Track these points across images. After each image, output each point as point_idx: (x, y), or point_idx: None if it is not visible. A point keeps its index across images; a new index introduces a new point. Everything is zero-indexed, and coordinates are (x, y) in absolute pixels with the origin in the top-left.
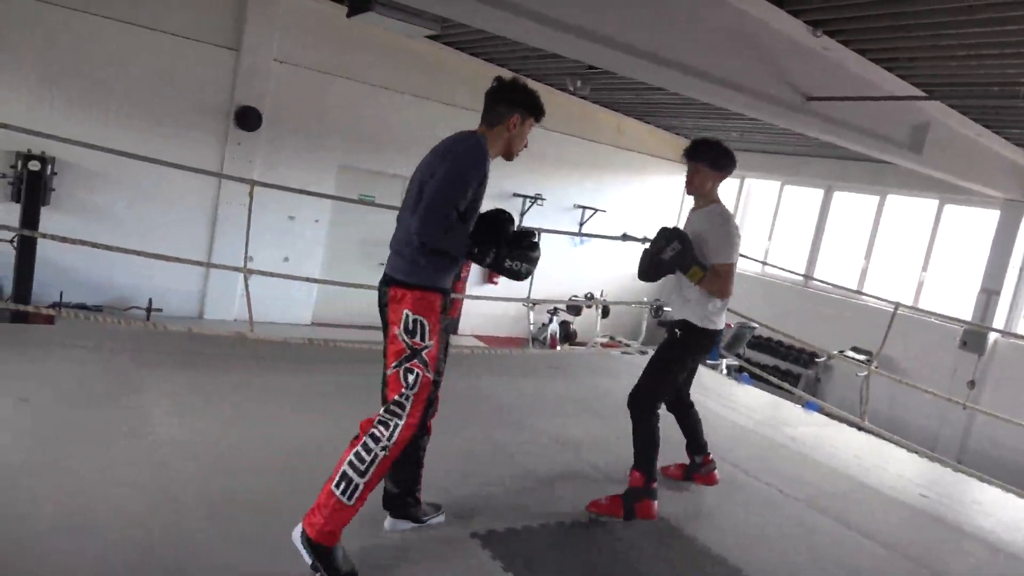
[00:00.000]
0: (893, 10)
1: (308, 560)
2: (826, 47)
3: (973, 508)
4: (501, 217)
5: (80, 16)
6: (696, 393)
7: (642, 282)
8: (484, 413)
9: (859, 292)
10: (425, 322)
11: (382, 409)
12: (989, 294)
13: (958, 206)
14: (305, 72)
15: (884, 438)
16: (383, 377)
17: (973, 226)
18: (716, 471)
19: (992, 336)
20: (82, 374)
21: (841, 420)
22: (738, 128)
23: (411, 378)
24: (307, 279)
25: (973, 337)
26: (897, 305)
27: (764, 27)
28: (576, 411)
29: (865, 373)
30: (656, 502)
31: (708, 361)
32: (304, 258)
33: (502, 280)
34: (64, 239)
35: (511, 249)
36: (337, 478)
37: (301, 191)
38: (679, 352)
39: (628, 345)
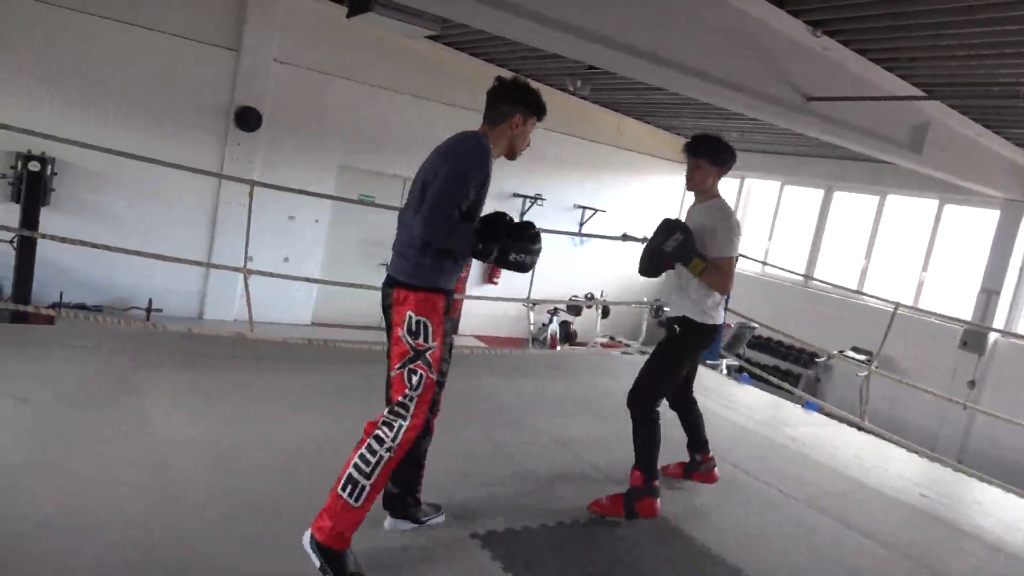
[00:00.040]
0: (893, 10)
1: (317, 564)
2: (826, 47)
3: (973, 508)
4: (500, 217)
5: (79, 16)
6: (696, 393)
7: (642, 281)
8: (484, 413)
9: (859, 292)
10: (428, 323)
11: (386, 411)
12: (989, 294)
13: (958, 206)
14: (305, 72)
15: (884, 438)
16: (387, 378)
17: (973, 226)
18: (716, 469)
19: (992, 336)
20: (82, 374)
21: (841, 420)
22: (738, 128)
23: (415, 379)
24: (307, 279)
25: (973, 337)
26: (897, 305)
27: (764, 27)
28: (576, 411)
29: (865, 373)
30: (658, 500)
31: (708, 361)
32: (304, 258)
33: (502, 280)
34: (64, 239)
35: (513, 241)
36: (343, 481)
37: (301, 191)
38: (678, 349)
39: (628, 345)
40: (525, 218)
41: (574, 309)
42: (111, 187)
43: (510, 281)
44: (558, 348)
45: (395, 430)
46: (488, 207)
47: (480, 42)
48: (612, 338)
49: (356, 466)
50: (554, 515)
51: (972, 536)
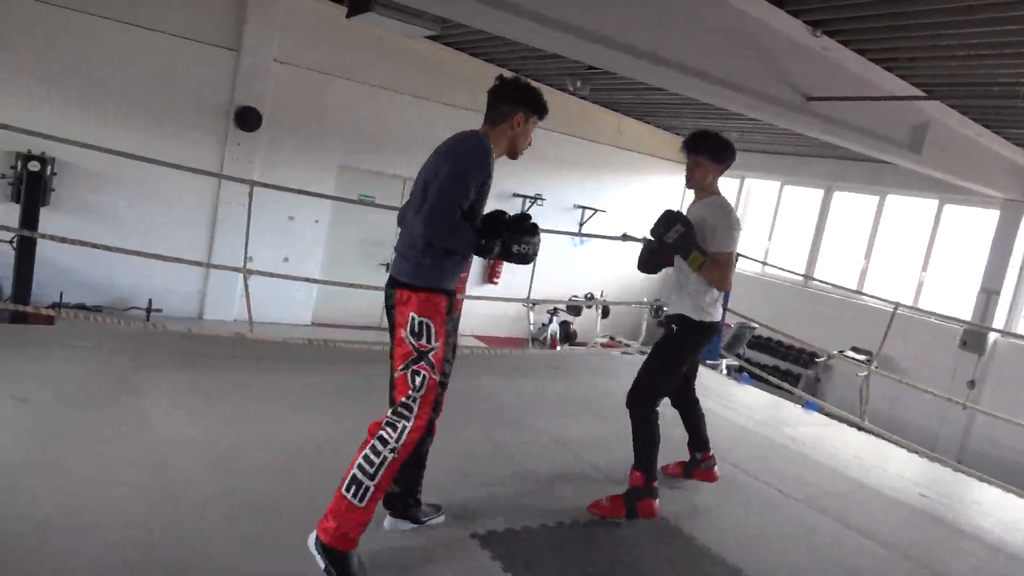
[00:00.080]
0: (893, 10)
1: (322, 565)
2: (826, 47)
3: (973, 508)
4: (498, 214)
5: (80, 16)
6: (696, 393)
7: (642, 281)
8: (484, 413)
9: (859, 292)
10: (431, 324)
11: (389, 411)
12: (989, 294)
13: (958, 206)
14: (305, 72)
15: (884, 438)
16: (390, 379)
17: (973, 226)
18: (716, 468)
19: (992, 336)
20: (82, 374)
21: (841, 420)
22: (738, 128)
23: (418, 380)
24: (307, 279)
25: (973, 337)
26: (897, 305)
27: (764, 27)
28: (576, 411)
29: (865, 373)
30: (657, 501)
31: (708, 361)
32: (304, 258)
33: (502, 280)
34: (64, 239)
35: (513, 234)
36: (347, 482)
37: (301, 191)
38: (676, 348)
39: (628, 345)
40: None
41: (574, 309)
42: (111, 187)
43: (510, 281)
44: (558, 348)
45: (399, 431)
46: (489, 207)
47: (480, 42)
48: (612, 338)
49: (360, 467)
50: (554, 515)
51: (972, 536)
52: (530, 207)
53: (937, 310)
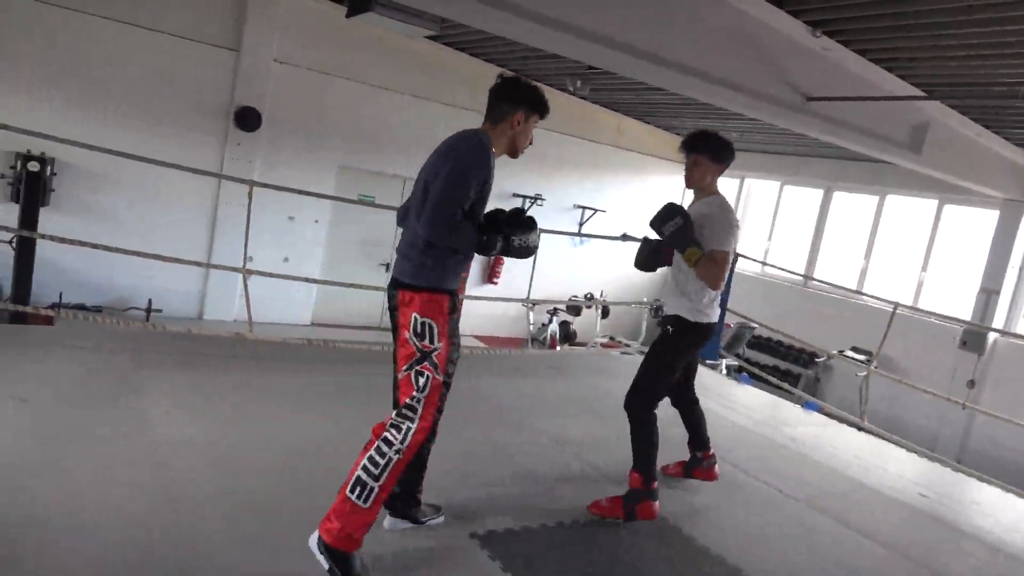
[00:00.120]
0: (893, 10)
1: (325, 565)
2: (826, 47)
3: (973, 508)
4: (496, 212)
5: (80, 16)
6: (696, 392)
7: (642, 281)
8: (484, 413)
9: (859, 292)
10: (434, 324)
11: (394, 413)
12: (989, 294)
13: (957, 206)
14: (305, 72)
15: (884, 438)
16: (394, 380)
17: (973, 226)
18: (716, 467)
19: (992, 336)
20: (82, 374)
21: (841, 420)
22: (738, 128)
23: (421, 381)
24: (307, 279)
25: (973, 337)
26: (896, 305)
27: (764, 27)
28: (576, 411)
29: (865, 373)
30: (657, 502)
31: (708, 361)
32: (304, 258)
33: (502, 280)
34: (63, 240)
35: (513, 228)
36: (352, 483)
37: (301, 191)
38: (672, 349)
39: (628, 345)
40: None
41: (574, 309)
42: (111, 187)
43: (510, 281)
44: (558, 348)
45: (403, 432)
46: (489, 207)
47: (480, 42)
48: (612, 338)
49: (365, 468)
50: (554, 515)
51: (972, 536)
52: (530, 207)
53: (937, 310)
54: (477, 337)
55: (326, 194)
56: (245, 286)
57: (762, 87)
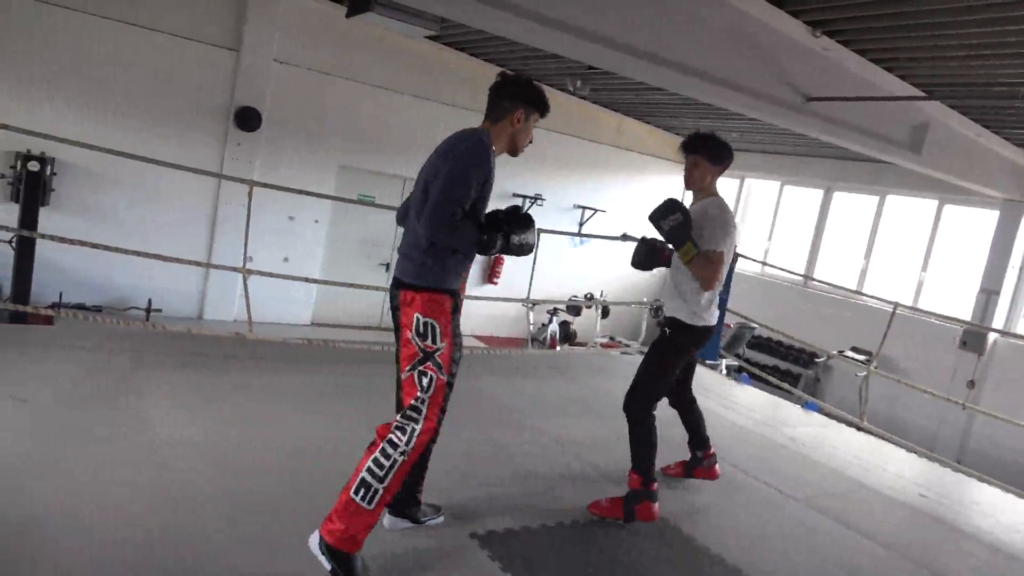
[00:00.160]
0: (893, 10)
1: (327, 566)
2: (826, 47)
3: (972, 508)
4: (495, 212)
5: (80, 16)
6: (696, 393)
7: (642, 281)
8: (484, 413)
9: (859, 292)
10: (436, 324)
11: (398, 415)
12: (988, 294)
13: (957, 206)
14: (305, 72)
15: (884, 438)
16: (397, 381)
17: (972, 226)
18: (717, 465)
19: (992, 336)
20: (81, 374)
21: (841, 420)
22: (738, 128)
23: (425, 381)
24: (307, 279)
25: (973, 337)
26: (896, 305)
27: (764, 27)
28: (576, 412)
29: (864, 373)
30: (656, 504)
31: (708, 361)
32: (304, 258)
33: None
34: (63, 239)
35: (512, 226)
36: (356, 484)
37: (301, 191)
38: (669, 351)
39: (628, 345)
40: None
41: (574, 309)
42: (111, 187)
43: (510, 281)
44: (558, 348)
45: (408, 433)
46: (490, 207)
47: (480, 42)
48: (612, 338)
49: (369, 470)
50: (553, 515)
51: (971, 536)
52: (530, 207)
53: (937, 310)
54: (477, 337)
55: (326, 194)
56: (245, 286)
57: (762, 87)
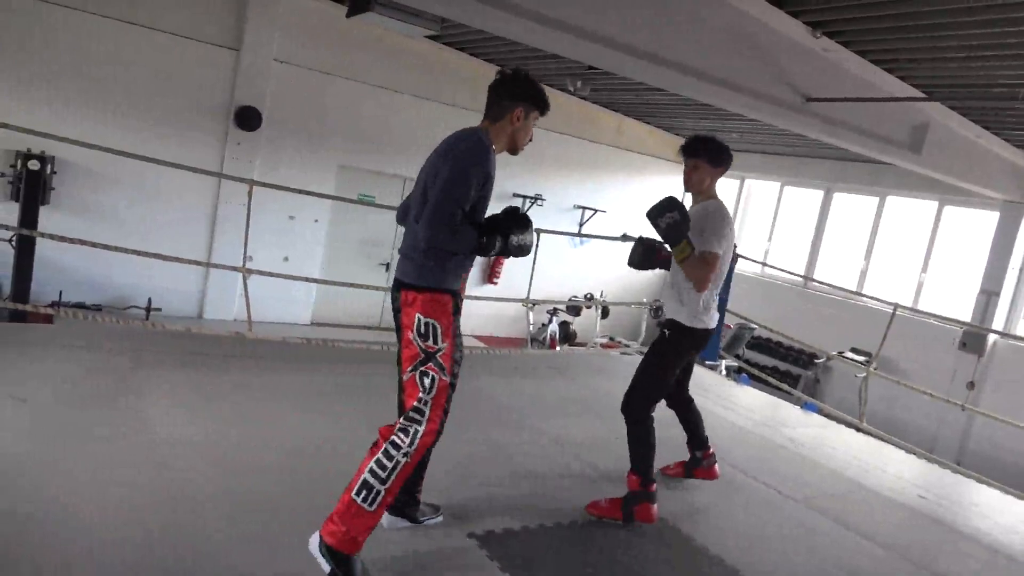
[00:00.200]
0: (893, 11)
1: (327, 568)
2: (826, 48)
3: (972, 510)
4: (493, 216)
5: (80, 15)
6: (695, 394)
7: (642, 280)
8: (484, 413)
9: (858, 293)
10: (437, 324)
11: (401, 416)
12: (988, 295)
13: (957, 207)
14: (305, 72)
15: (883, 439)
16: (399, 383)
17: (972, 227)
18: (716, 465)
19: (992, 337)
20: (81, 374)
21: (840, 421)
22: (738, 129)
23: (427, 382)
24: (307, 279)
25: (972, 338)
26: (896, 306)
27: (764, 28)
28: (575, 412)
29: (864, 374)
30: (655, 505)
31: (707, 362)
32: (304, 258)
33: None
34: (63, 238)
35: (511, 228)
36: (358, 486)
37: (301, 191)
38: (669, 353)
39: (628, 345)
40: None
41: (573, 309)
42: (111, 186)
43: (510, 281)
44: (557, 348)
45: (411, 435)
46: (490, 207)
47: (480, 42)
48: (611, 338)
49: (372, 471)
50: (553, 516)
51: (970, 538)
52: (530, 207)
53: (937, 311)
54: (477, 337)
55: (326, 194)
56: (245, 285)
57: (762, 88)
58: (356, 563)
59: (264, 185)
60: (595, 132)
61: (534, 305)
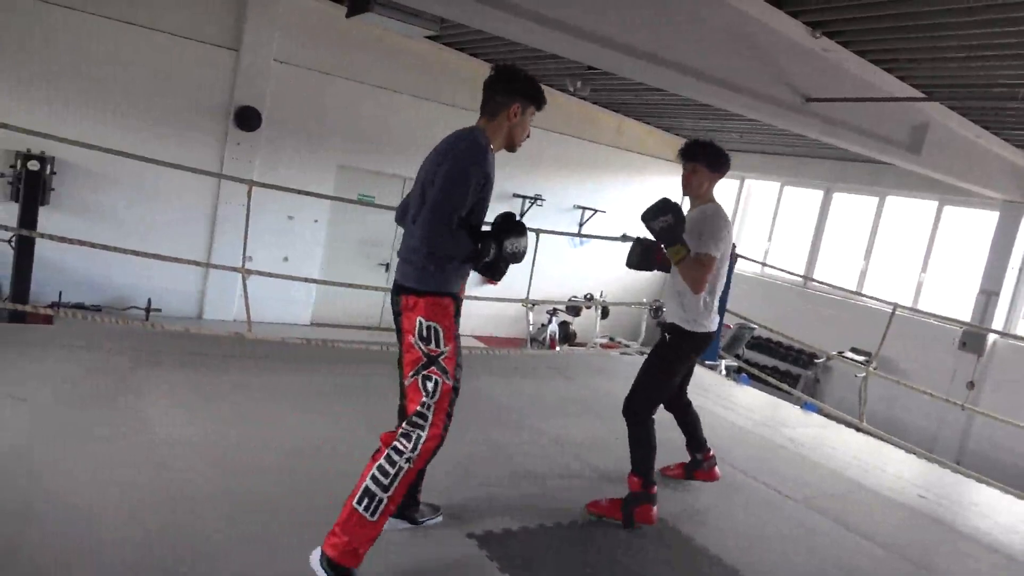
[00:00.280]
0: (893, 11)
1: None
2: (826, 48)
3: (972, 509)
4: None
5: (79, 15)
6: (695, 394)
7: (642, 281)
8: (484, 414)
9: (858, 293)
10: (439, 328)
11: (404, 422)
12: (988, 295)
13: (957, 207)
14: (305, 72)
15: (883, 439)
16: (401, 388)
17: (972, 227)
18: (716, 467)
19: (991, 337)
20: (80, 374)
21: (840, 421)
22: (738, 129)
23: (430, 386)
24: (306, 279)
25: (972, 338)
26: (896, 306)
27: (764, 28)
28: (575, 412)
29: (864, 374)
30: (655, 507)
31: (707, 362)
32: (303, 258)
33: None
34: (63, 239)
35: (507, 234)
36: (359, 494)
37: (301, 191)
38: (669, 357)
39: (627, 346)
40: (525, 219)
41: (573, 310)
42: (110, 187)
43: (509, 281)
44: (557, 349)
45: (413, 441)
46: (489, 208)
47: (480, 42)
48: (611, 339)
49: (374, 478)
50: (552, 516)
51: (970, 538)
52: (530, 207)
53: (936, 311)
54: (477, 337)
55: (326, 194)
56: (244, 286)
57: (762, 88)
58: None
59: (263, 185)
60: (595, 132)
61: (534, 305)
